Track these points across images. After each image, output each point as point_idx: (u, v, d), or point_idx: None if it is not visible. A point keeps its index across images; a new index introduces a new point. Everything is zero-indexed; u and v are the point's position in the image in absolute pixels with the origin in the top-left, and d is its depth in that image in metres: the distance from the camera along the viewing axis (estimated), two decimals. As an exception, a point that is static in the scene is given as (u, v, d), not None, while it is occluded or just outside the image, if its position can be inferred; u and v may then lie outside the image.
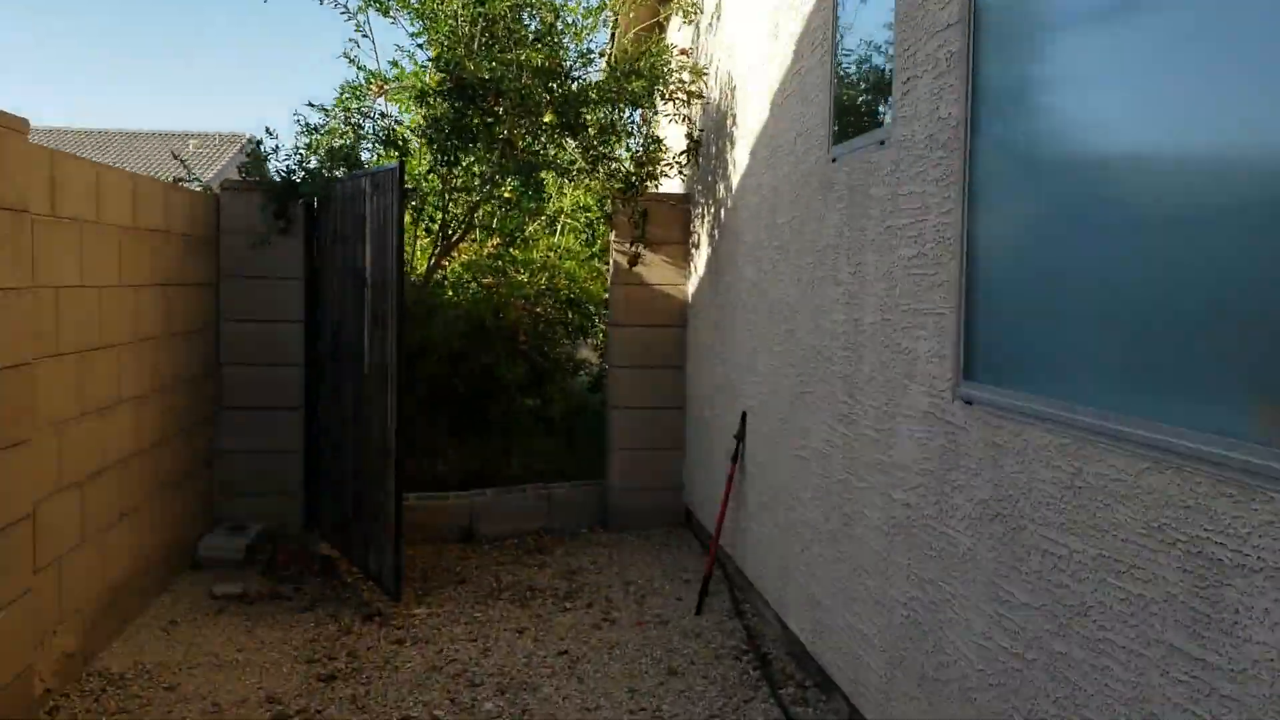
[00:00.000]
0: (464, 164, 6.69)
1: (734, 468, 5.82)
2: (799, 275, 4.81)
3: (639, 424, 7.46)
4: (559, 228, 8.69)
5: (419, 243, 7.89)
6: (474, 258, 8.14)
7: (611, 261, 7.50)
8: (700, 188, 7.12)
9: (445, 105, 6.09)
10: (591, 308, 8.76)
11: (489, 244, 8.25)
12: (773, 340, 5.26)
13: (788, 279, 4.99)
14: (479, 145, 6.23)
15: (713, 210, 6.72)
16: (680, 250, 7.42)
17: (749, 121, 5.86)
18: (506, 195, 7.15)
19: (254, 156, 6.96)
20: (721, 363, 6.42)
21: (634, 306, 7.40)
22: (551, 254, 8.58)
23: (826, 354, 4.40)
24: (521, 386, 8.04)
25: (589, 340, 9.17)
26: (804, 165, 4.78)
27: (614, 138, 6.75)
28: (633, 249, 6.99)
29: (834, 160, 4.37)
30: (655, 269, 7.36)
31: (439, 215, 7.42)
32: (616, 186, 6.72)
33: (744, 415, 5.77)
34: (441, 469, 8.35)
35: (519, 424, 8.05)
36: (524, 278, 8.14)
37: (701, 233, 7.07)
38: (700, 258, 7.10)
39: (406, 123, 6.82)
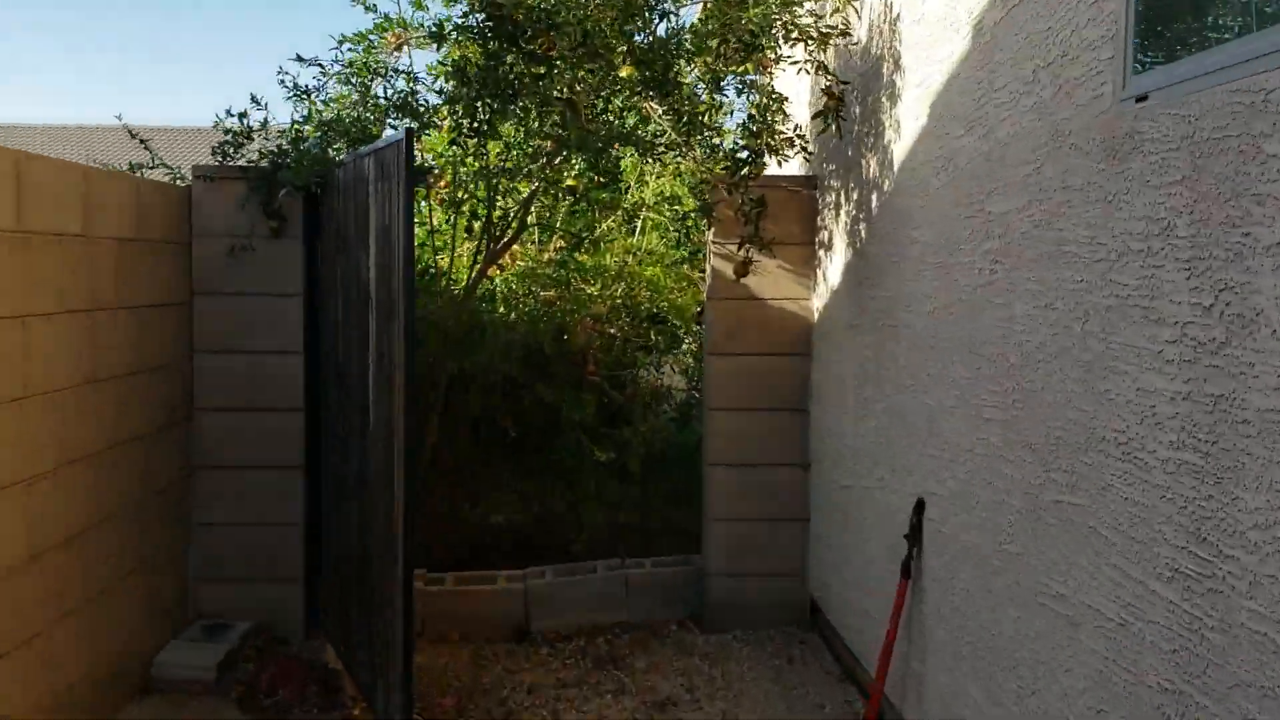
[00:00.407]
0: (504, 135, 4.87)
1: (905, 584, 3.90)
2: (1047, 300, 2.88)
3: (747, 486, 5.57)
4: (638, 225, 6.84)
5: (461, 247, 6.11)
6: (530, 264, 6.32)
7: (709, 269, 5.62)
8: (834, 166, 5.19)
9: (474, 46, 4.28)
10: (679, 325, 6.89)
11: (550, 247, 6.42)
12: (979, 397, 3.34)
13: (1021, 304, 3.05)
14: (524, 105, 4.39)
15: (856, 196, 4.80)
16: (802, 253, 5.51)
17: (921, 64, 3.93)
18: (570, 183, 5.31)
19: (235, 134, 5.22)
20: (873, 413, 4.50)
21: (740, 328, 5.51)
22: (629, 258, 6.74)
23: (1124, 445, 2.47)
24: (590, 429, 6.21)
25: (674, 360, 7.30)
26: (1058, 115, 2.84)
27: (715, 102, 4.86)
28: (742, 252, 5.10)
29: (1141, 100, 2.43)
30: (768, 278, 5.46)
31: (482, 210, 5.61)
32: (720, 167, 4.83)
33: (919, 504, 3.85)
34: (496, 521, 6.59)
35: (587, 474, 6.22)
36: (594, 289, 6.30)
37: (835, 229, 5.15)
38: (833, 263, 5.19)
39: (430, 81, 5.01)
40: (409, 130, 3.80)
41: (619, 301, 6.47)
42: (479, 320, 5.97)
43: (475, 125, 4.57)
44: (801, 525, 5.59)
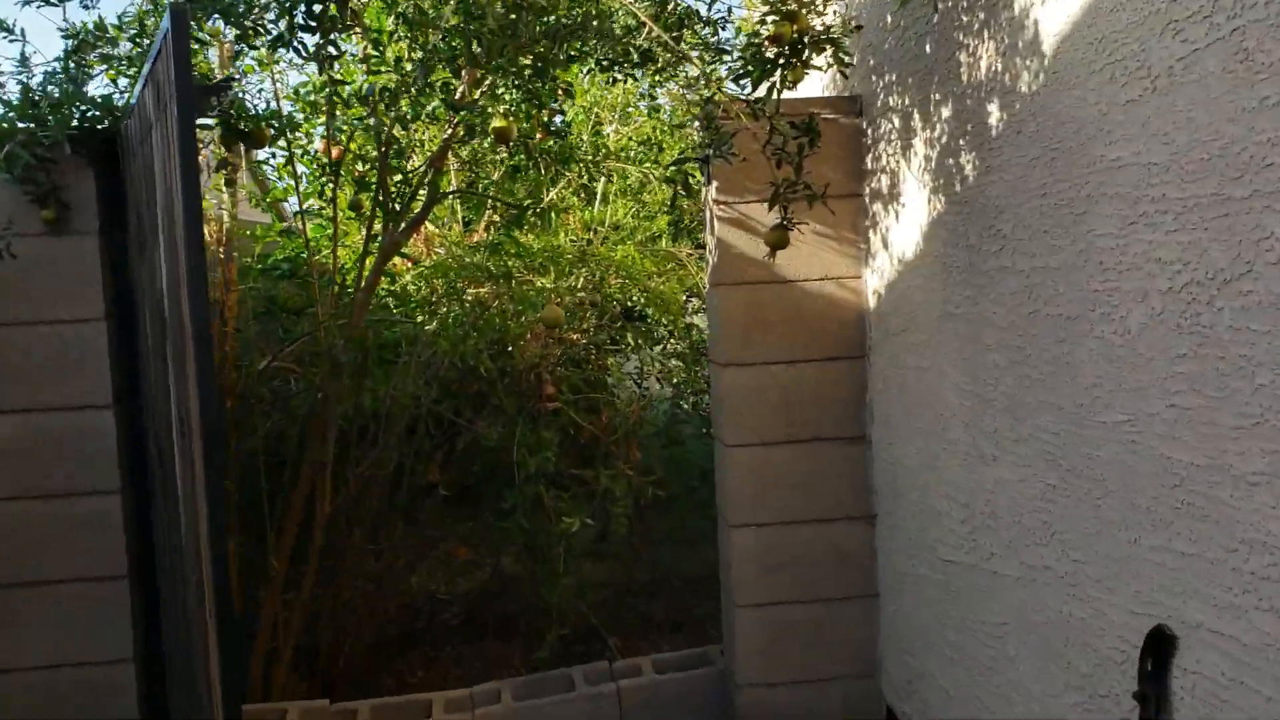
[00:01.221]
0: (376, 38, 3.08)
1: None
2: None
3: (785, 553, 3.84)
4: (599, 190, 5.06)
5: (344, 236, 4.30)
6: (453, 249, 4.52)
7: (711, 241, 3.86)
8: (894, 76, 3.45)
9: None
10: (664, 322, 5.13)
11: (479, 225, 4.62)
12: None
13: None
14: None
15: (950, 112, 3.06)
16: (846, 211, 3.77)
17: None
18: (499, 123, 3.51)
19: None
20: (1017, 457, 2.79)
21: (762, 324, 3.77)
22: (590, 236, 4.96)
23: None
24: (553, 476, 4.44)
25: (651, 361, 5.54)
26: None
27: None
28: (774, 212, 3.32)
29: None
30: (799, 249, 3.71)
31: (372, 174, 3.80)
32: (731, 79, 3.07)
33: (1159, 640, 2.13)
34: (436, 590, 4.86)
35: (552, 539, 4.45)
36: (545, 281, 4.52)
37: (904, 169, 3.41)
38: (902, 221, 3.46)
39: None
40: (178, 8, 1.99)
41: (581, 295, 4.69)
42: (382, 336, 4.17)
43: (293, 24, 2.75)
44: (868, 603, 3.88)
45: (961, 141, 2.99)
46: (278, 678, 4.32)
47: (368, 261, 3.98)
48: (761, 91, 3.10)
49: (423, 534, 4.53)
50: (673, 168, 3.44)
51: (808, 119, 3.14)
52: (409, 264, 4.57)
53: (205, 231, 4.31)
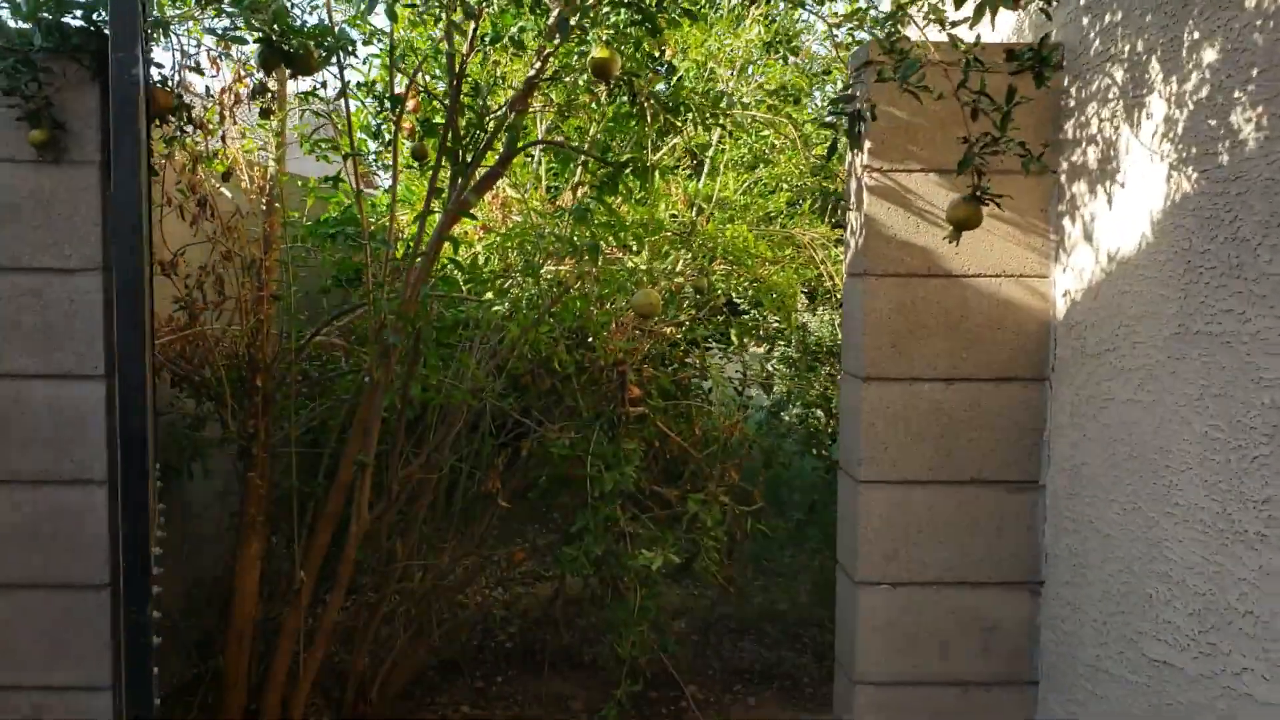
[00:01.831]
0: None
1: None
2: None
3: (917, 621, 3.03)
4: (708, 160, 4.28)
5: (406, 197, 3.59)
6: (532, 214, 3.78)
7: (857, 220, 3.06)
8: (1122, 16, 2.61)
9: None
10: (776, 320, 4.35)
11: (567, 187, 3.86)
12: None
13: None
14: None
15: (1214, 64, 2.23)
16: (1031, 192, 2.93)
17: None
18: (600, 53, 2.76)
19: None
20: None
21: (916, 329, 2.97)
22: (693, 214, 4.19)
23: None
24: (634, 495, 3.70)
25: (747, 363, 4.74)
26: None
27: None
28: (965, 177, 2.48)
29: None
30: (967, 234, 2.86)
31: (441, 114, 3.07)
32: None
33: None
34: (492, 604, 4.17)
35: (629, 574, 3.69)
36: (639, 261, 3.76)
37: (1133, 141, 2.58)
38: (1116, 208, 2.63)
39: None
40: None
41: (679, 281, 3.93)
42: (443, 316, 3.46)
43: None
44: (1021, 693, 3.04)
45: (1238, 95, 2.15)
46: (295, 707, 3.66)
47: (429, 224, 3.26)
48: (966, 10, 2.29)
49: (477, 549, 3.83)
50: (839, 103, 2.64)
51: (1043, 42, 2.31)
52: (480, 231, 3.85)
53: (246, 178, 3.65)
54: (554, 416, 3.72)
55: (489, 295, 3.44)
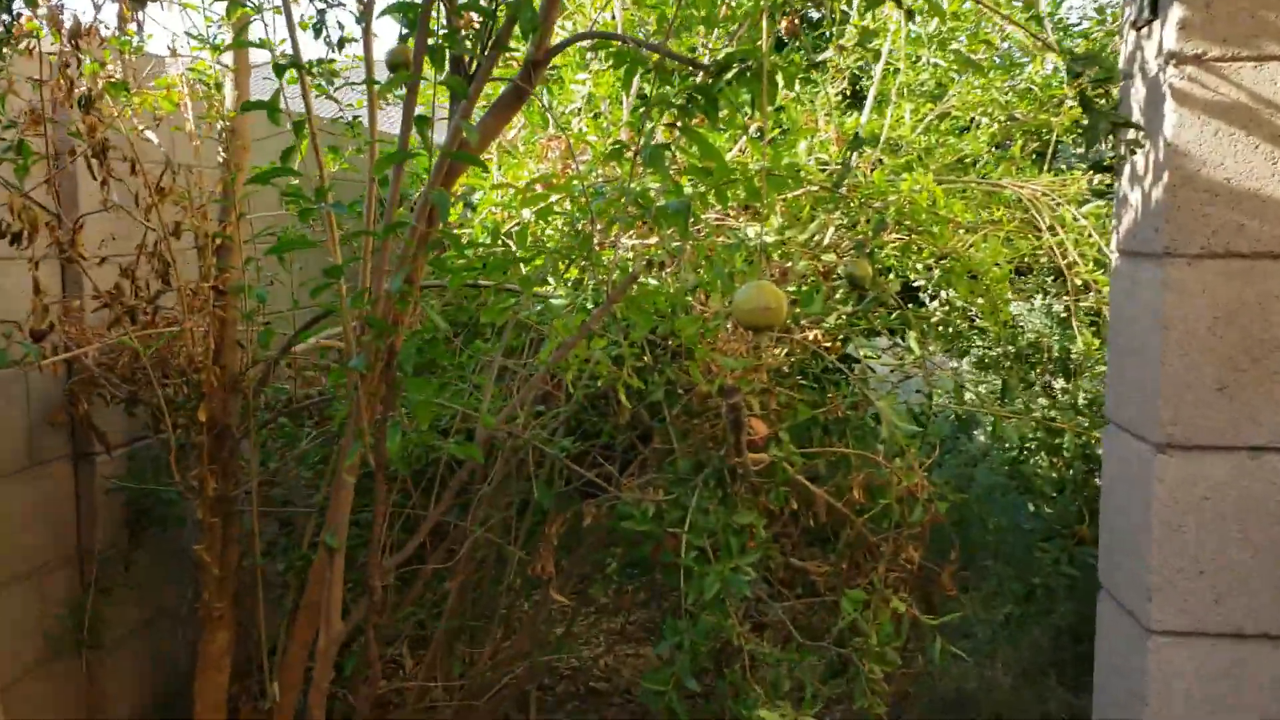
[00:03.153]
0: None
1: None
2: None
3: None
4: (875, 79, 2.92)
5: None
6: (599, 153, 2.50)
7: (1152, 158, 1.64)
8: None
9: None
10: (975, 316, 2.96)
11: (657, 120, 2.55)
12: None
13: None
14: None
15: None
16: None
17: None
18: None
19: None
20: None
21: (1260, 356, 1.53)
22: (855, 159, 2.82)
23: None
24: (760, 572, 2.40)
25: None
26: None
27: None
28: None
29: None
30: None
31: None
32: None
33: None
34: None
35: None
36: (768, 226, 2.43)
37: None
38: None
39: None
40: None
41: (829, 260, 2.60)
42: (454, 316, 2.25)
43: None
44: None
45: None
46: None
47: (423, 175, 2.04)
48: None
49: (528, 653, 2.64)
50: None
51: None
52: (541, 189, 2.61)
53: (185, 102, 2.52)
54: (633, 467, 2.47)
55: (523, 274, 2.20)
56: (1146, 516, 1.64)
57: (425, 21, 1.83)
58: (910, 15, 2.33)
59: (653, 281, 2.28)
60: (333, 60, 2.31)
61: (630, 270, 2.23)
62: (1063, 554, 2.73)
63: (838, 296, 2.71)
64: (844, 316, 2.66)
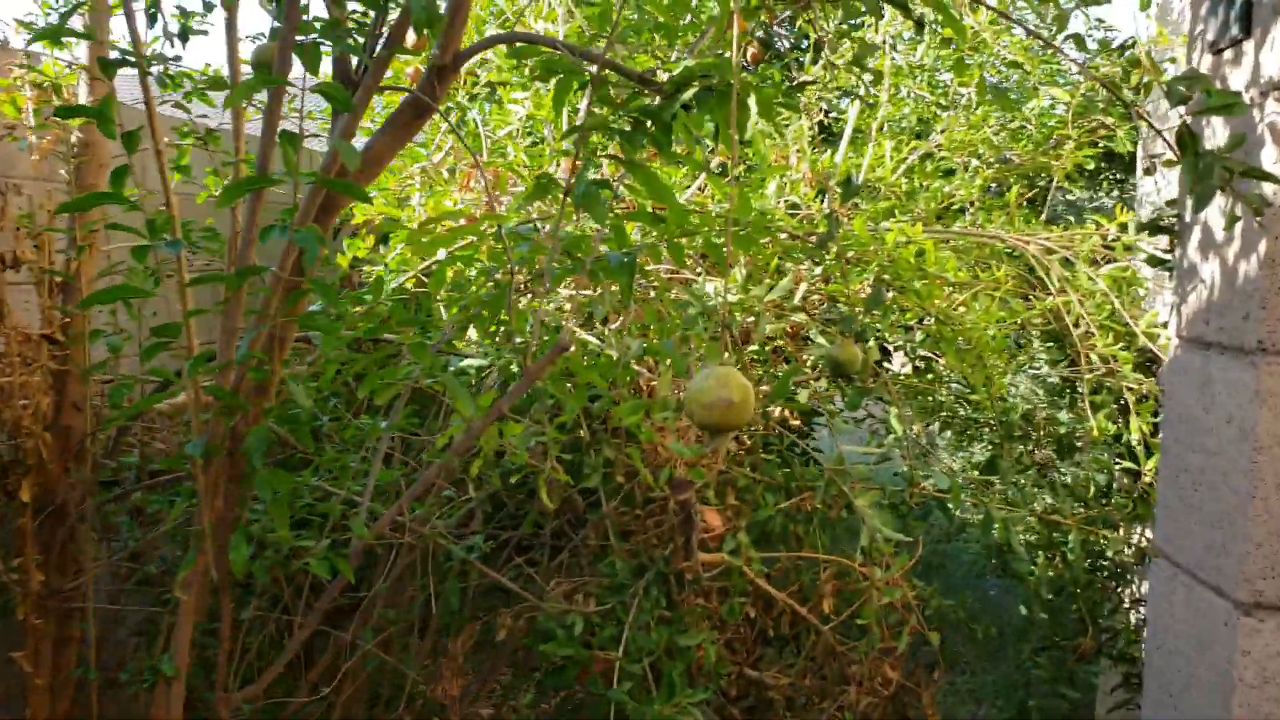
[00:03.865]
0: None
1: None
2: None
3: None
4: (865, 103, 2.53)
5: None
6: (519, 177, 2.07)
7: (1220, 209, 1.24)
8: None
9: None
10: (959, 384, 2.58)
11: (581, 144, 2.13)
12: None
13: None
14: None
15: None
16: None
17: None
18: None
19: None
20: None
21: None
22: (826, 205, 2.43)
23: None
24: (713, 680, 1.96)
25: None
26: None
27: None
28: None
29: None
30: None
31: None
32: None
33: None
34: None
35: None
36: (731, 283, 2.02)
37: None
38: None
39: None
40: None
41: (797, 319, 2.19)
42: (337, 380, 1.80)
43: None
44: None
45: None
46: None
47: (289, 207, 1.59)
48: None
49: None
50: None
51: None
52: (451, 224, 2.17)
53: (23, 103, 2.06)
54: (560, 567, 2.03)
55: (417, 337, 1.75)
56: (1227, 703, 1.24)
57: (295, 9, 1.40)
58: (920, 27, 1.93)
59: (592, 339, 1.85)
60: (178, 56, 1.87)
61: (560, 335, 1.79)
62: (1061, 672, 2.33)
63: (807, 357, 2.31)
64: (817, 392, 2.25)
